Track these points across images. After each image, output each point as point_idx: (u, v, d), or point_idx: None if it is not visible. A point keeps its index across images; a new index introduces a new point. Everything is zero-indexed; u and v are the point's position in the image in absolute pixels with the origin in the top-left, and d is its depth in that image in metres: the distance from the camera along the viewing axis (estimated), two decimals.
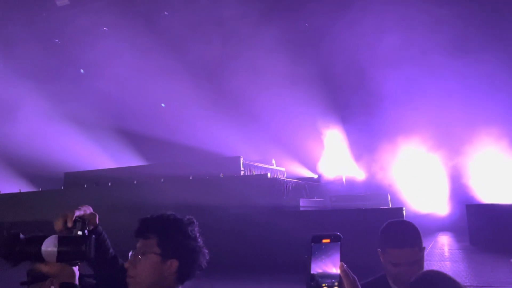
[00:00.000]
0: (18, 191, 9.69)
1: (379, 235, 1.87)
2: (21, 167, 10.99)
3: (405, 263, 1.75)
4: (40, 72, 11.56)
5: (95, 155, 10.91)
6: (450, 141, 8.19)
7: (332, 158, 10.70)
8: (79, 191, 8.90)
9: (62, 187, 9.67)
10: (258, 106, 11.38)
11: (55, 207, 8.34)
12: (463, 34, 8.91)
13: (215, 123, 10.96)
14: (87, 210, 1.33)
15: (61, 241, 1.14)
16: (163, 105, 11.95)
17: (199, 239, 1.44)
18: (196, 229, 1.46)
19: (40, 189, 10.42)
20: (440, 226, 7.71)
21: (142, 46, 10.82)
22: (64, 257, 1.13)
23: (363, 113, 10.01)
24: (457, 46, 8.90)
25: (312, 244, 0.86)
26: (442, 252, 5.66)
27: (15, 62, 11.88)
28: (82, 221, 1.24)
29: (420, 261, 1.78)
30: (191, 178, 7.92)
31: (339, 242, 0.88)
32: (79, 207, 1.29)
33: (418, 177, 8.47)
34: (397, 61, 9.39)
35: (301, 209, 6.91)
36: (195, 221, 1.49)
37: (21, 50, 11.72)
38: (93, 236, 1.24)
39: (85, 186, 8.96)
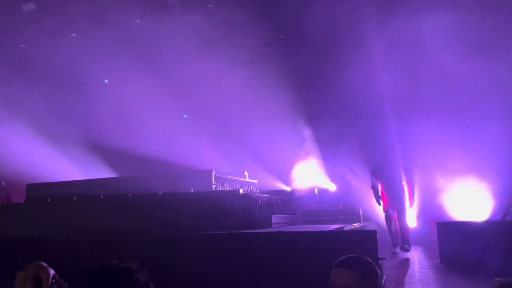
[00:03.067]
0: None
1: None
2: None
3: (337, 284, 1.77)
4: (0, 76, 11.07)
5: (60, 165, 10.48)
6: (421, 157, 8.28)
7: (305, 170, 10.67)
8: (42, 205, 8.50)
9: (24, 200, 9.22)
10: (230, 117, 11.26)
11: (17, 221, 7.95)
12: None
13: (186, 135, 10.76)
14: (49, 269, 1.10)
15: None
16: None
17: None
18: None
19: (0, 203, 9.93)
20: (410, 240, 7.72)
21: (110, 54, 10.50)
22: None
23: (337, 124, 10.04)
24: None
25: None
26: (413, 272, 5.65)
27: None
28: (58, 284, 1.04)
29: None
30: (160, 193, 7.69)
31: None
32: (45, 266, 1.07)
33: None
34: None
35: (273, 226, 6.80)
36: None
37: None
38: None
39: (48, 199, 8.57)
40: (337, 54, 10.42)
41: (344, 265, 1.88)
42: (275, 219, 7.01)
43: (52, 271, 1.05)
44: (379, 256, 4.80)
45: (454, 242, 6.13)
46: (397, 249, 7.10)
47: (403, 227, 7.08)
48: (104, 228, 7.04)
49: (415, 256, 7.11)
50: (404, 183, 7.41)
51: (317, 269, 4.86)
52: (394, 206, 7.24)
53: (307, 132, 10.78)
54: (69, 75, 10.84)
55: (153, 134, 10.68)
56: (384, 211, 7.38)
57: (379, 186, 7.50)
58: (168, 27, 10.06)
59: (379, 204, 7.49)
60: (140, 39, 10.70)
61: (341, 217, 8.26)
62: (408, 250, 6.98)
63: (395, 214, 7.23)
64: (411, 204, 7.38)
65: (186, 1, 10.35)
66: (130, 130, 10.72)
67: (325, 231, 5.26)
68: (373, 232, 4.82)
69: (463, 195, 7.57)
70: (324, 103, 10.64)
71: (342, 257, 1.91)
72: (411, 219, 8.39)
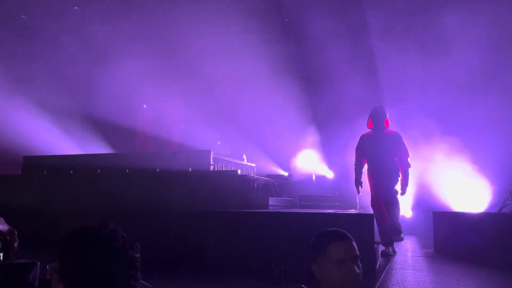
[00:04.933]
0: None
1: (313, 246, 1.80)
2: None
3: (350, 257, 1.69)
4: None
5: (57, 139, 10.41)
6: (417, 147, 8.28)
7: (304, 156, 10.65)
8: (38, 177, 8.47)
9: (20, 172, 9.18)
10: (231, 100, 11.19)
11: (13, 192, 7.92)
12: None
13: (186, 115, 10.70)
14: (4, 225, 1.06)
15: (1, 270, 0.92)
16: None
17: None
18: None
19: None
20: (404, 230, 7.73)
21: (112, 28, 10.35)
22: None
23: (336, 113, 10.03)
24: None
25: None
26: (406, 258, 5.67)
27: None
28: (3, 240, 1.01)
29: (359, 259, 1.73)
30: (157, 170, 7.67)
31: None
32: None
33: None
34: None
35: (270, 208, 6.81)
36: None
37: None
38: (38, 262, 1.03)
39: (45, 172, 8.53)
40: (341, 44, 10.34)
41: (348, 237, 1.81)
42: (271, 201, 7.01)
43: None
44: (375, 240, 4.83)
45: (449, 232, 6.16)
46: (390, 250, 5.77)
47: (393, 225, 5.64)
48: (100, 202, 7.03)
49: (409, 245, 7.14)
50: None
51: None
52: (380, 195, 5.74)
53: (307, 118, 10.74)
54: (70, 48, 10.70)
55: (152, 113, 10.61)
56: (371, 201, 5.93)
57: (365, 167, 6.09)
58: (172, 6, 9.94)
59: (358, 192, 6.08)
60: (142, 15, 10.57)
61: (337, 203, 8.26)
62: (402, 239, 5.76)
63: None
64: (404, 191, 5.75)
65: None
66: (130, 107, 10.64)
67: (323, 213, 5.27)
68: (370, 216, 4.83)
69: (461, 186, 7.56)
70: (325, 90, 10.59)
71: (334, 231, 1.82)
72: (406, 208, 8.42)
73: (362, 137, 6.15)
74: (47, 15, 10.75)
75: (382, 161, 5.84)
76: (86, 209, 6.32)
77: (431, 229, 6.51)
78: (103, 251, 1.04)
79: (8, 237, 1.06)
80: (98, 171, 8.04)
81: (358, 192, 6.08)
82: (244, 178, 7.06)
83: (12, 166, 9.82)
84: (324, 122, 10.47)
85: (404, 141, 5.93)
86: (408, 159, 5.87)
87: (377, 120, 6.03)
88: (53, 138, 10.39)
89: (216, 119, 11.03)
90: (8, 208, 7.29)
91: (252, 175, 9.05)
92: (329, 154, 10.30)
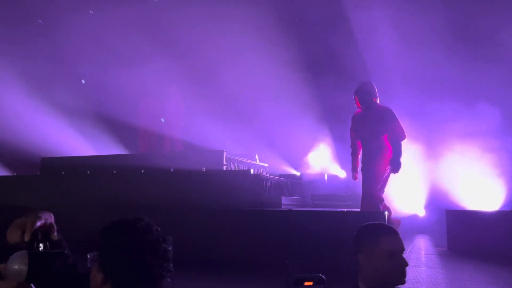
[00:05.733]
0: None
1: (360, 238, 1.82)
2: None
3: (399, 250, 1.72)
4: (16, 50, 11.21)
5: (74, 141, 10.64)
6: (430, 145, 8.26)
7: (316, 155, 10.69)
8: (56, 178, 8.67)
9: (39, 173, 9.41)
10: (243, 101, 11.29)
11: (32, 193, 8.13)
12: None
13: (199, 115, 10.83)
14: (49, 219, 1.12)
15: (32, 259, 1.01)
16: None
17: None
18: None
19: (15, 174, 10.14)
20: (418, 228, 7.75)
21: (127, 31, 10.56)
22: (34, 277, 1.00)
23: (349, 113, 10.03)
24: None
25: (293, 287, 0.79)
26: (419, 256, 5.69)
27: None
28: (44, 233, 1.09)
29: None
30: (172, 170, 7.79)
31: (322, 285, 0.81)
32: (40, 215, 1.09)
33: (398, 179, 8.50)
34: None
35: (283, 207, 6.88)
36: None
37: None
38: (66, 252, 1.12)
39: (63, 173, 8.73)
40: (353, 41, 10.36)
41: (396, 231, 1.85)
42: (284, 200, 7.08)
43: (41, 221, 1.07)
44: None
45: (463, 231, 6.16)
46: None
47: (372, 200, 5.24)
48: (116, 201, 7.18)
49: (422, 243, 7.14)
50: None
51: (326, 248, 4.94)
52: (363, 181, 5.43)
53: (319, 119, 10.78)
54: (87, 51, 10.93)
55: (165, 113, 10.76)
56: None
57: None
58: (184, 6, 10.08)
59: (354, 178, 5.71)
60: (157, 18, 10.74)
61: (350, 202, 8.28)
62: None
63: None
64: (395, 167, 5.28)
65: None
66: (144, 108, 10.81)
67: (335, 211, 5.31)
68: (382, 213, 4.87)
69: (475, 184, 7.52)
70: (337, 89, 10.60)
71: (382, 224, 1.86)
72: (419, 207, 8.40)
73: (353, 118, 5.79)
74: (64, 18, 11.00)
75: (366, 143, 5.53)
76: (102, 208, 6.47)
77: (444, 227, 6.51)
78: (139, 243, 1.12)
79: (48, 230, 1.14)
80: (114, 171, 8.20)
81: (354, 178, 5.70)
82: (257, 178, 7.13)
83: (31, 167, 10.08)
84: (336, 122, 10.48)
85: (396, 116, 5.44)
86: (400, 133, 5.36)
87: (363, 97, 5.55)
88: (70, 139, 10.63)
89: (229, 119, 11.14)
90: (28, 208, 7.52)
91: (264, 174, 9.13)
92: (341, 153, 10.32)
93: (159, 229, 1.22)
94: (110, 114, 10.41)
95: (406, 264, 1.72)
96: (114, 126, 10.94)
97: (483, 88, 8.50)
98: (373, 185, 5.32)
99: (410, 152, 8.22)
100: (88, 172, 8.43)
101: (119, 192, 7.51)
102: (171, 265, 1.16)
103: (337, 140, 10.49)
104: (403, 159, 5.31)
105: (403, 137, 5.36)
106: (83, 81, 12.00)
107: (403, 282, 1.73)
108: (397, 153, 5.29)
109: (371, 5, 9.69)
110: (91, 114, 11.16)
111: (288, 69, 10.20)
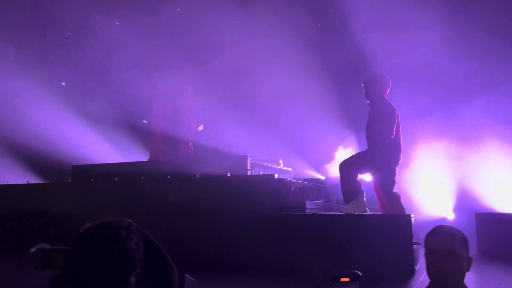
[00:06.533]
0: (26, 183, 9.78)
1: (425, 238, 1.92)
2: (30, 158, 11.09)
3: (440, 251, 1.71)
4: (46, 62, 11.65)
5: (103, 148, 10.94)
6: (458, 144, 8.09)
7: (341, 159, 10.61)
8: (86, 185, 8.94)
9: (70, 180, 9.72)
10: (267, 105, 11.35)
11: (63, 199, 8.43)
12: None
13: (222, 121, 10.94)
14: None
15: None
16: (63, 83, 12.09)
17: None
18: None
19: (47, 181, 10.50)
20: None
21: (154, 42, 10.82)
22: None
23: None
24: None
25: (330, 282, 0.83)
26: None
27: (22, 50, 11.95)
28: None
29: (457, 257, 1.73)
30: (197, 175, 7.91)
31: (358, 281, 0.85)
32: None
33: (426, 182, 8.36)
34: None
35: (307, 211, 6.87)
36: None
37: (30, 37, 11.80)
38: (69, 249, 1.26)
39: (92, 180, 8.99)
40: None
41: (445, 232, 1.87)
42: (309, 204, 7.06)
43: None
44: (413, 241, 4.80)
45: (493, 233, 6.01)
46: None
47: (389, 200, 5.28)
48: (143, 207, 7.36)
49: None
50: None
51: (350, 251, 4.92)
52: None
53: (344, 121, 10.71)
54: (114, 60, 11.25)
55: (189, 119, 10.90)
56: None
57: None
58: (206, 14, 10.25)
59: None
60: (182, 25, 10.95)
61: (376, 206, 8.18)
62: None
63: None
64: (372, 169, 5.49)
65: None
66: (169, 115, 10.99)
67: (360, 215, 5.29)
68: (408, 217, 4.82)
69: (506, 186, 7.31)
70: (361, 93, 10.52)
71: (441, 225, 1.92)
72: (448, 210, 8.23)
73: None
74: (91, 30, 11.38)
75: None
76: (130, 213, 6.63)
77: (474, 231, 6.36)
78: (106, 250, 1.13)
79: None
80: (142, 178, 8.39)
81: None
82: (281, 182, 7.16)
83: (62, 175, 10.42)
84: (362, 126, 10.38)
85: (385, 112, 5.36)
86: (381, 129, 5.29)
87: (365, 93, 5.66)
88: (99, 147, 10.94)
89: (253, 124, 11.20)
90: (60, 214, 7.80)
91: (288, 179, 9.14)
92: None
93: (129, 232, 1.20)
94: (136, 122, 10.65)
95: (439, 265, 1.72)
96: (140, 134, 11.17)
97: None
98: (383, 185, 5.36)
99: (438, 152, 8.13)
100: (117, 179, 8.65)
101: (146, 197, 7.68)
102: (137, 270, 1.16)
103: (362, 144, 10.39)
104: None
105: (381, 134, 5.29)
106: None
107: (439, 284, 1.74)
108: (374, 152, 5.36)
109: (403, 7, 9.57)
110: (119, 122, 11.45)
111: (314, 72, 10.20)
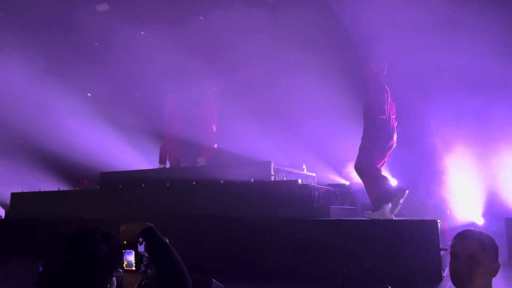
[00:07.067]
0: (57, 190, 10.11)
1: None
2: (60, 166, 11.47)
3: (459, 253, 1.71)
4: (76, 71, 12.04)
5: (130, 156, 11.20)
6: (488, 149, 7.89)
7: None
8: (114, 191, 9.17)
9: (98, 187, 9.99)
10: (290, 110, 11.36)
11: (92, 205, 8.67)
12: None
13: (246, 127, 11.01)
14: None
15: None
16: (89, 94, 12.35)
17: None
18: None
19: (77, 188, 10.82)
20: None
21: (181, 50, 11.01)
22: None
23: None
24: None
25: None
26: None
27: (53, 62, 12.40)
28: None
29: (477, 261, 1.72)
30: (222, 182, 7.99)
31: None
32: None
33: (456, 187, 8.20)
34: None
35: (332, 217, 6.84)
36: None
37: (60, 47, 12.23)
38: None
39: (120, 186, 9.21)
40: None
41: (464, 236, 1.88)
42: (333, 210, 7.03)
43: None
44: (440, 246, 4.73)
45: None
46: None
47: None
48: (169, 212, 7.49)
49: None
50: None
51: (375, 256, 4.88)
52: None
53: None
54: (137, 71, 11.54)
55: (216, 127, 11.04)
56: None
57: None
58: (231, 24, 10.38)
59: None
60: (206, 35, 11.13)
61: (403, 211, 8.07)
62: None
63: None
64: (364, 152, 5.83)
65: None
66: (194, 123, 11.16)
67: (384, 220, 5.25)
68: (435, 222, 4.75)
69: None
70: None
71: (465, 229, 1.93)
72: (477, 215, 8.04)
73: None
74: (117, 40, 11.70)
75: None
76: (156, 219, 6.76)
77: (504, 236, 6.19)
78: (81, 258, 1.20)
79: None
80: (167, 184, 8.54)
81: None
82: (305, 188, 7.16)
83: (91, 182, 10.72)
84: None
85: (377, 92, 5.53)
86: (373, 109, 5.49)
87: (364, 78, 5.95)
88: (126, 155, 11.20)
89: (276, 130, 11.23)
90: (89, 220, 8.02)
91: (312, 184, 9.11)
92: (390, 162, 10.08)
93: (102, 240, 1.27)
94: (162, 129, 10.82)
95: (458, 268, 1.73)
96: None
97: None
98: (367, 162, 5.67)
99: (467, 156, 7.96)
100: (143, 185, 8.84)
101: (172, 203, 7.83)
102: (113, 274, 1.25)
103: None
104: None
105: (370, 114, 5.48)
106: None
107: (458, 287, 1.75)
108: (368, 132, 5.61)
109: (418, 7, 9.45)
110: (146, 130, 11.70)
111: (337, 78, 10.16)
